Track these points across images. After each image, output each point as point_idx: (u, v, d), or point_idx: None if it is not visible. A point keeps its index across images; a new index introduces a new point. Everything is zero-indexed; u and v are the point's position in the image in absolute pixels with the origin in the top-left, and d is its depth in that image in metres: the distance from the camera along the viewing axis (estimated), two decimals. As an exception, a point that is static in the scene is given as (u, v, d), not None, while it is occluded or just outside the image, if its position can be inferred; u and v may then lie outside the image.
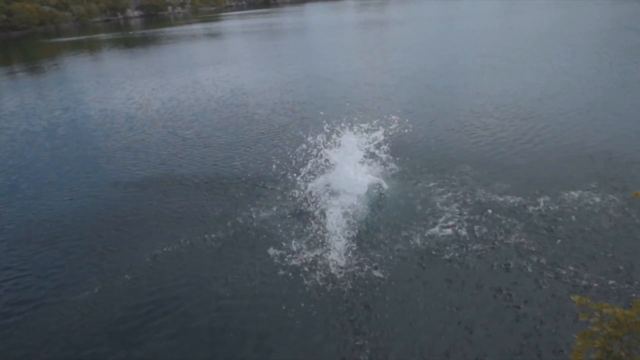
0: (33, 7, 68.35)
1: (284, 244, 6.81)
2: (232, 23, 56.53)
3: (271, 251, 6.65)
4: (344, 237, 6.85)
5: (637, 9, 31.95)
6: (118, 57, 31.14)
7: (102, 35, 50.32)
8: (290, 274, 6.13)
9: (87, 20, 77.09)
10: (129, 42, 40.41)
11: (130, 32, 51.96)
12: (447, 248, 6.46)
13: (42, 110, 16.58)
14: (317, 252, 6.56)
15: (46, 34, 61.77)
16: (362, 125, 9.70)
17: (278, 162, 9.51)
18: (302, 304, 5.58)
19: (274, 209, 7.94)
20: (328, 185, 8.51)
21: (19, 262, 7.06)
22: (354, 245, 6.69)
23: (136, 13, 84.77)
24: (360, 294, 5.72)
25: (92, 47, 39.23)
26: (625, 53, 18.39)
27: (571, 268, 5.91)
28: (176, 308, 5.69)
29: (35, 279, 6.57)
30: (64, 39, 49.42)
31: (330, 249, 6.59)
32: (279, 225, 7.40)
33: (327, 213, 7.54)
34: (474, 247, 6.43)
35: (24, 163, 11.45)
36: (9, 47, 47.19)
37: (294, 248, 6.68)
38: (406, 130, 10.94)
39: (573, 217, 7.02)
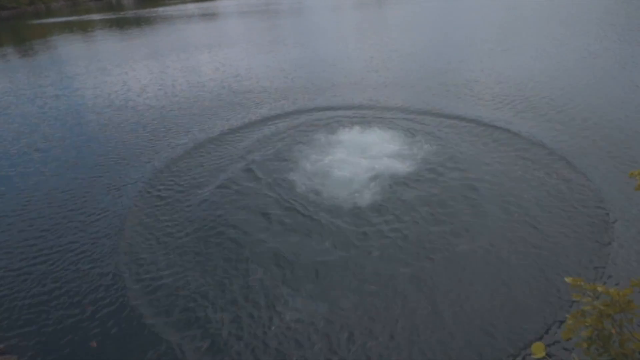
0: (22, -14, 66.56)
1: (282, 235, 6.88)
2: (228, 2, 55.49)
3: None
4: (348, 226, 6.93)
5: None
6: (111, 39, 30.60)
7: (94, 16, 49.35)
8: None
9: (78, -1, 75.39)
10: (121, 23, 39.69)
11: (123, 13, 50.93)
12: (448, 232, 6.53)
13: (32, 95, 16.26)
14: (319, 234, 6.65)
15: (36, 13, 60.45)
16: (371, 117, 9.60)
17: (284, 156, 9.40)
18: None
19: (273, 202, 7.89)
20: (331, 181, 8.27)
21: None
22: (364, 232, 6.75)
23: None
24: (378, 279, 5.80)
25: (83, 28, 38.48)
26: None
27: (569, 250, 6.00)
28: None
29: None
30: (55, 19, 48.45)
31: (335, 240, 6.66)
32: (282, 217, 7.43)
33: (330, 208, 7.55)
34: (465, 227, 6.51)
35: (12, 149, 11.27)
36: (-1, 27, 46.22)
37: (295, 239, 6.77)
38: (417, 122, 10.86)
39: (575, 197, 7.10)
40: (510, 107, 11.41)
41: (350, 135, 10.19)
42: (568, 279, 2.23)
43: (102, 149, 10.69)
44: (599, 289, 2.12)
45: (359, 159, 8.92)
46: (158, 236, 6.94)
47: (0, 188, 9.05)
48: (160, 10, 50.42)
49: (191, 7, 51.45)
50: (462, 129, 10.23)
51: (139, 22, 39.30)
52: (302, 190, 7.93)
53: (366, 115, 11.58)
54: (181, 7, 53.16)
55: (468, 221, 6.73)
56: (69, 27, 39.16)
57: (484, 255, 5.99)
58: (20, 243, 7.07)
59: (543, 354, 1.89)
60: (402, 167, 8.52)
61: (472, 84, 13.53)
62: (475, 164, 8.52)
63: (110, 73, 18.92)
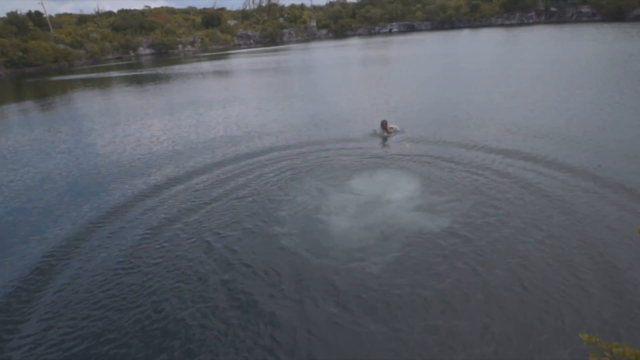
0: (48, 45, 70.83)
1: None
2: (241, 61, 58.19)
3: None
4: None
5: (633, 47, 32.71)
6: (128, 95, 31.96)
7: (114, 73, 51.87)
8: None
9: (100, 57, 79.63)
10: (139, 80, 41.57)
11: (141, 70, 53.44)
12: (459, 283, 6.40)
13: (49, 148, 16.88)
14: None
15: (59, 70, 63.83)
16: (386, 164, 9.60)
17: (291, 213, 9.32)
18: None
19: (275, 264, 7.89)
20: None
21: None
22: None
23: (147, 51, 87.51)
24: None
25: (103, 84, 40.37)
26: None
27: (578, 300, 5.82)
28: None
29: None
30: (77, 76, 50.94)
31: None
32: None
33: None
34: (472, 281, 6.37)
35: (27, 200, 11.52)
36: (22, 82, 48.62)
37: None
38: (439, 169, 10.91)
39: (581, 249, 6.97)
40: (539, 154, 11.49)
41: (363, 182, 10.05)
42: (583, 336, 2.19)
43: (105, 203, 10.86)
44: (615, 349, 2.07)
45: (371, 209, 8.56)
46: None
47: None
48: (177, 67, 52.92)
49: (206, 65, 53.97)
50: (490, 178, 10.15)
51: (155, 79, 41.14)
52: (298, 248, 7.62)
53: (379, 161, 11.77)
54: (196, 64, 55.79)
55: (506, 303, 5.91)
56: (89, 84, 41.13)
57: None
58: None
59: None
60: (421, 219, 8.04)
61: (490, 132, 13.81)
62: (512, 217, 8.20)
63: (125, 128, 19.56)
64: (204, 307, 6.32)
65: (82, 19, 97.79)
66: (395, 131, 14.48)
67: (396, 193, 9.37)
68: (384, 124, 14.41)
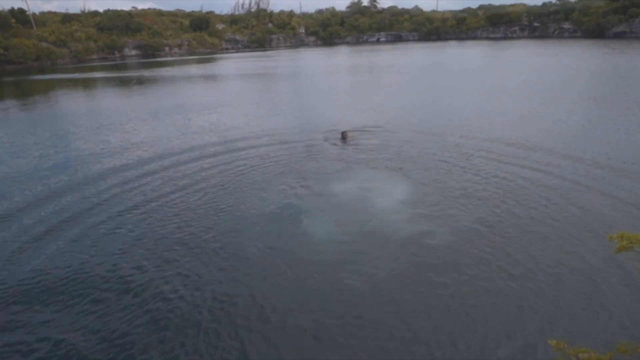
0: (31, 43, 69.47)
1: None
2: (228, 65, 58.02)
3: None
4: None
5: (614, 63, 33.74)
6: (112, 97, 31.52)
7: (98, 74, 51.10)
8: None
9: (84, 57, 78.41)
10: (124, 82, 41.03)
11: (126, 72, 52.83)
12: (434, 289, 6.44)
13: (29, 150, 16.44)
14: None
15: (41, 69, 62.57)
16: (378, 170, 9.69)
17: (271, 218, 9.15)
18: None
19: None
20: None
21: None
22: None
23: (133, 52, 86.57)
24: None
25: (86, 85, 39.72)
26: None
27: (549, 307, 5.92)
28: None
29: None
30: (59, 76, 50.02)
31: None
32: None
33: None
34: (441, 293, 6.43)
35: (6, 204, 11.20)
36: (1, 81, 47.48)
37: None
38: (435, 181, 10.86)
39: (553, 259, 7.10)
40: (524, 158, 11.70)
41: (343, 185, 10.02)
42: (551, 342, 2.24)
43: (85, 204, 10.65)
44: (581, 354, 2.13)
45: (353, 212, 8.30)
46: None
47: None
48: (163, 70, 52.44)
49: (193, 69, 53.60)
50: (477, 180, 10.28)
51: (141, 81, 40.68)
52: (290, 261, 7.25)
53: (375, 166, 11.81)
54: (185, 68, 55.38)
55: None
56: (71, 84, 40.40)
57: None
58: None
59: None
60: (409, 225, 7.71)
61: (476, 136, 13.98)
62: (505, 224, 8.12)
63: (106, 132, 19.10)
64: (159, 325, 5.91)
65: (67, 18, 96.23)
66: (353, 138, 15.29)
67: (380, 197, 9.28)
68: (344, 135, 15.36)
